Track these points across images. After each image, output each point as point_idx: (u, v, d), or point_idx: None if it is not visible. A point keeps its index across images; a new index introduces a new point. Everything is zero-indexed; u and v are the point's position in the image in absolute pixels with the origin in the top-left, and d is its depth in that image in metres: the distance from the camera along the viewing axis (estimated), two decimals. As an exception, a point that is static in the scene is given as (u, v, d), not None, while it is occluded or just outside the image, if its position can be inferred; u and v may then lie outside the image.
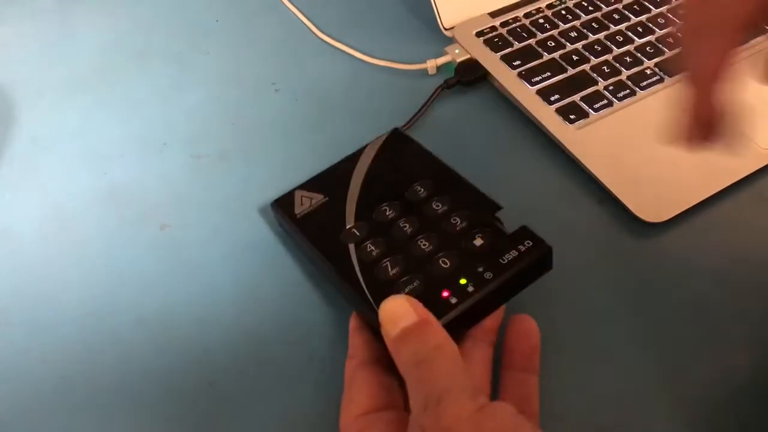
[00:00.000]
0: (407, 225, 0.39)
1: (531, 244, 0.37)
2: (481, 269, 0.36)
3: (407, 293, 0.36)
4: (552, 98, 0.49)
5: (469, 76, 0.51)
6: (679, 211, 0.43)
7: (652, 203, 0.43)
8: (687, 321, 0.40)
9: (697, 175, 0.45)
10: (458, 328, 0.35)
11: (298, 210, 0.42)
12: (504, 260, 0.36)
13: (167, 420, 0.36)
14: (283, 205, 0.43)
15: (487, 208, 0.39)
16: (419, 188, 0.41)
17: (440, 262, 0.37)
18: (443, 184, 0.41)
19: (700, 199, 0.44)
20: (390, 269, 0.37)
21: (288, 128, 0.50)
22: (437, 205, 0.40)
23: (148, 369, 0.38)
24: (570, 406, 0.36)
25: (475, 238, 0.38)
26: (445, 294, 0.35)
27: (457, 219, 0.39)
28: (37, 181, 0.47)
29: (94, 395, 0.37)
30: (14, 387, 0.38)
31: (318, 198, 0.42)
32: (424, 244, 0.38)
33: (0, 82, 0.53)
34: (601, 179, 0.45)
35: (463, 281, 0.36)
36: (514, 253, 0.36)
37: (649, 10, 0.56)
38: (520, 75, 0.51)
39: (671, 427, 0.36)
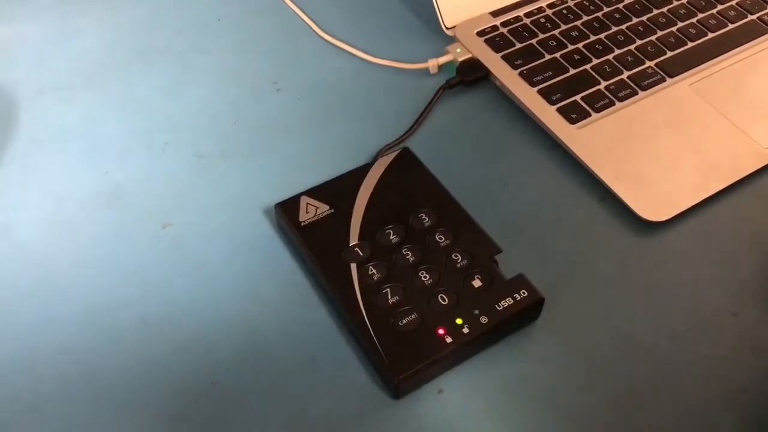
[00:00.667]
0: (410, 254, 0.40)
1: (526, 294, 0.38)
2: (477, 312, 0.37)
3: (404, 324, 0.37)
4: (553, 98, 0.49)
5: (470, 76, 0.51)
6: (680, 210, 0.43)
7: (653, 202, 0.44)
8: (688, 319, 0.40)
9: (698, 174, 0.45)
10: (448, 365, 0.37)
11: (303, 218, 0.42)
12: (499, 306, 0.38)
13: (169, 418, 0.36)
14: (287, 209, 0.43)
15: (488, 249, 0.40)
16: (424, 217, 0.42)
17: (439, 298, 0.38)
18: (448, 216, 0.42)
19: (702, 198, 0.44)
20: (390, 297, 0.38)
21: (290, 127, 0.50)
22: (440, 238, 0.41)
23: (151, 367, 0.38)
24: (577, 406, 0.37)
25: (474, 279, 0.39)
26: (441, 331, 0.37)
27: (458, 256, 0.40)
28: (38, 180, 0.47)
29: (96, 393, 0.37)
30: (17, 385, 0.38)
31: (323, 208, 0.42)
32: (425, 277, 0.39)
33: (1, 80, 0.53)
34: (602, 178, 0.45)
35: (459, 321, 0.37)
36: (509, 301, 0.38)
37: (650, 10, 0.56)
38: (521, 74, 0.51)
39: (673, 424, 0.36)
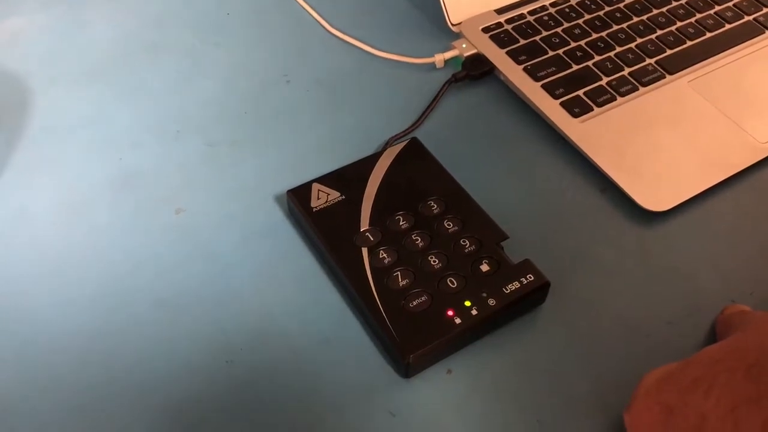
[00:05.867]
0: (419, 239, 0.41)
1: (532, 278, 0.39)
2: (485, 294, 0.39)
3: (414, 306, 0.38)
4: (557, 92, 0.50)
5: (476, 70, 0.53)
6: (679, 201, 0.45)
7: (653, 193, 0.45)
8: (687, 306, 0.41)
9: (697, 167, 0.47)
10: (457, 346, 0.38)
11: (315, 204, 0.43)
12: (507, 290, 0.39)
13: (186, 397, 0.37)
14: (299, 195, 0.44)
15: (495, 235, 0.41)
16: (433, 204, 0.43)
17: (448, 281, 0.39)
18: (456, 204, 0.43)
19: (700, 190, 0.46)
20: (400, 280, 0.39)
21: (300, 118, 0.51)
22: (449, 224, 0.42)
23: (166, 348, 0.39)
24: (580, 387, 0.38)
25: (481, 263, 0.40)
26: (450, 313, 0.38)
27: (467, 242, 0.41)
28: (53, 168, 0.48)
29: (111, 374, 0.38)
30: (33, 366, 0.38)
31: (334, 195, 0.43)
32: (434, 261, 0.40)
33: (14, 71, 0.54)
34: (604, 169, 0.46)
35: (467, 303, 0.38)
36: (516, 285, 0.39)
37: (651, 10, 0.57)
38: (525, 70, 0.52)
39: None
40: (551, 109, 0.50)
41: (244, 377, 0.38)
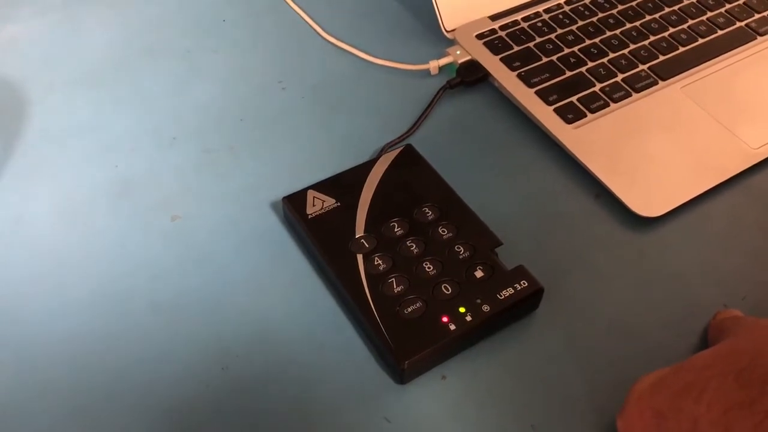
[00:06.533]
0: (414, 245, 0.41)
1: (526, 284, 0.40)
2: (479, 301, 0.39)
3: (409, 312, 0.38)
4: (550, 98, 0.51)
5: (470, 77, 0.53)
6: (672, 207, 0.45)
7: (646, 199, 0.45)
8: (680, 310, 0.41)
9: (689, 173, 0.47)
10: (451, 352, 0.39)
11: (310, 211, 0.43)
12: (501, 296, 0.39)
13: (181, 402, 0.37)
14: (294, 202, 0.44)
15: (489, 241, 0.42)
16: (427, 211, 0.43)
17: (443, 287, 0.39)
18: (450, 210, 0.43)
19: (693, 196, 0.46)
20: (395, 286, 0.40)
21: (295, 125, 0.51)
22: (443, 231, 0.42)
23: (162, 354, 0.39)
24: (574, 391, 0.38)
25: (476, 270, 0.40)
26: (445, 319, 0.38)
27: (461, 248, 0.41)
28: (49, 174, 0.48)
29: (108, 379, 0.38)
30: (29, 370, 0.39)
31: (330, 202, 0.44)
32: (429, 267, 0.40)
33: (11, 77, 0.54)
34: (598, 175, 0.47)
35: (462, 309, 0.39)
36: (510, 291, 0.39)
37: (643, 16, 0.58)
38: (519, 76, 0.52)
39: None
40: (545, 115, 0.50)
41: (239, 382, 0.38)
